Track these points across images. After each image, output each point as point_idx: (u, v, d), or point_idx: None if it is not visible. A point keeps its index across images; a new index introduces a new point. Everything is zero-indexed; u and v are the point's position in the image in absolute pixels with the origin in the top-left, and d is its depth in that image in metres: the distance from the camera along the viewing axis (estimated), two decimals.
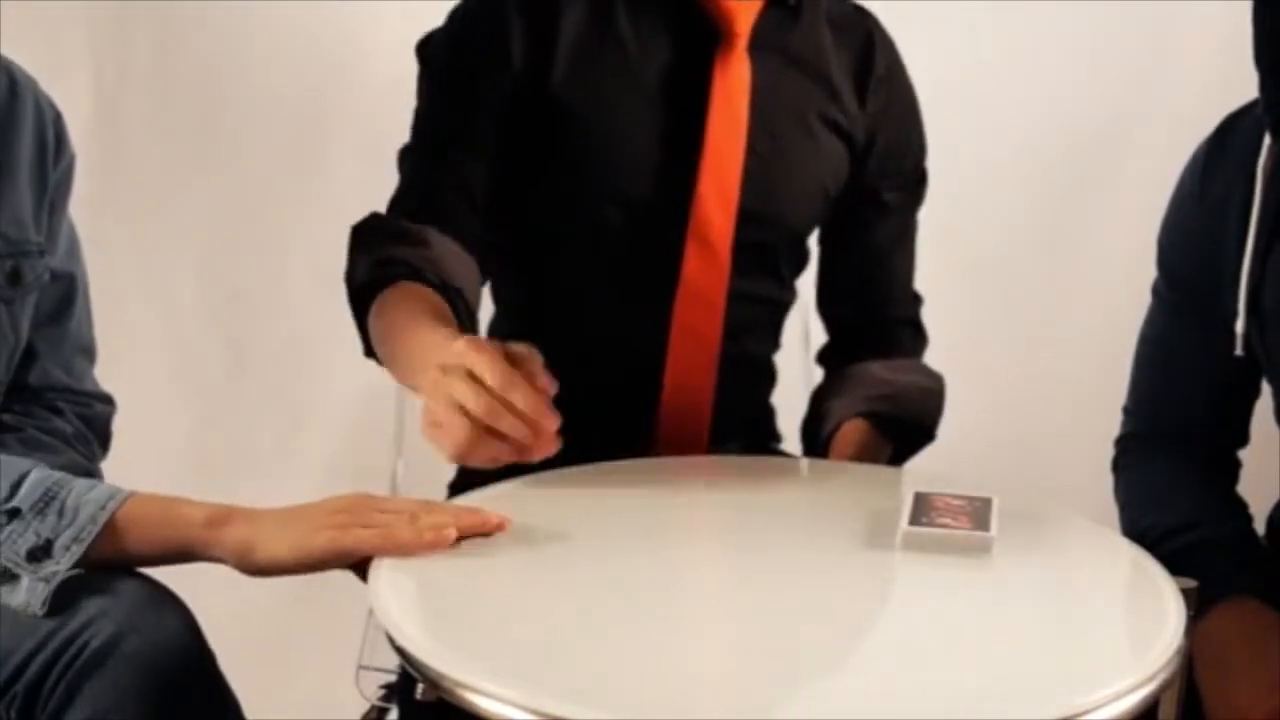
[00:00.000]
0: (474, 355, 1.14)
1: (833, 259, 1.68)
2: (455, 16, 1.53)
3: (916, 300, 1.71)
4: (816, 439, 1.60)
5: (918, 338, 1.70)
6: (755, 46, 1.51)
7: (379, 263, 1.40)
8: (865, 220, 1.64)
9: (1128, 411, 1.56)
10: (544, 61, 1.47)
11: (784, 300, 1.66)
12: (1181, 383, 1.49)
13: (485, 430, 1.13)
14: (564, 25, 1.48)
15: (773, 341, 1.67)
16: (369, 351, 1.43)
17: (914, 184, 1.67)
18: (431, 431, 1.16)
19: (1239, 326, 1.37)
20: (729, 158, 1.49)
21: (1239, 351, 1.38)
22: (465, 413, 1.13)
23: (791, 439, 1.71)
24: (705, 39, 1.50)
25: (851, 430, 1.55)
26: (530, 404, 1.13)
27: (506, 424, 1.13)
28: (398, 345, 1.32)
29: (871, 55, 1.61)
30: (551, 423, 1.15)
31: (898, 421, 1.57)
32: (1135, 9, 2.30)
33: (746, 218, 1.51)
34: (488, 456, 1.15)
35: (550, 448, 1.16)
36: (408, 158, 1.51)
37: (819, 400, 1.65)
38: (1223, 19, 2.16)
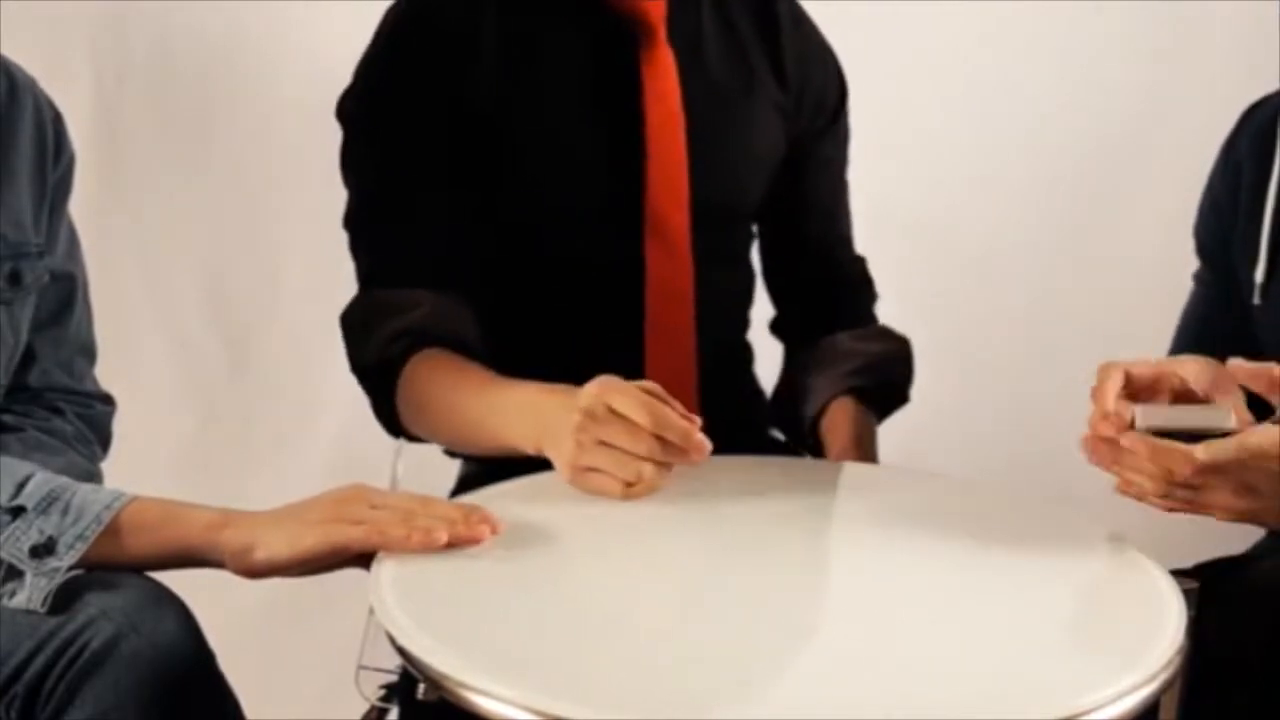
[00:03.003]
0: (617, 397, 1.23)
1: (780, 227, 1.66)
2: (371, 64, 1.50)
3: (860, 258, 1.70)
4: (797, 416, 1.61)
5: (871, 295, 1.70)
6: (670, 37, 1.51)
7: (384, 341, 1.43)
8: (806, 178, 1.63)
9: None
10: (473, 88, 1.46)
11: (748, 280, 1.66)
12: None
13: (651, 464, 1.22)
14: (483, 50, 1.47)
15: (744, 322, 1.67)
16: (395, 429, 1.47)
17: (842, 127, 1.66)
18: (587, 478, 1.25)
19: (1258, 274, 1.39)
20: (673, 153, 1.50)
21: (1256, 300, 1.40)
22: (625, 452, 1.22)
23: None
24: (624, 39, 1.50)
25: (841, 410, 1.57)
26: (679, 429, 1.22)
27: (668, 455, 1.23)
28: (467, 412, 1.38)
29: (771, 7, 1.60)
30: (702, 439, 1.23)
31: (878, 391, 1.61)
32: (1158, 7, 2.30)
33: (700, 208, 1.51)
34: (655, 487, 1.24)
35: (706, 449, 1.24)
36: (364, 225, 1.49)
37: (793, 376, 1.65)
38: (1247, 16, 2.16)
